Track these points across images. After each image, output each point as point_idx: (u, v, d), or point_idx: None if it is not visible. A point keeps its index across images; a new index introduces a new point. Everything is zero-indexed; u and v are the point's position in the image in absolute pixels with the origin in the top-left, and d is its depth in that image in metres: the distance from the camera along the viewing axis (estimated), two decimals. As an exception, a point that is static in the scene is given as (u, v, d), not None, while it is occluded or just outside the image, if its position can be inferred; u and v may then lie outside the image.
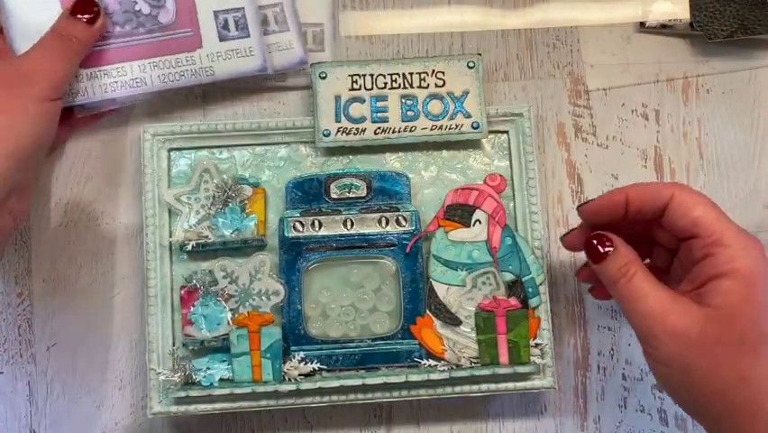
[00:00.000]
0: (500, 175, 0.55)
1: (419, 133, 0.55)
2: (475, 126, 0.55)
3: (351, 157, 0.56)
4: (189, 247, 0.53)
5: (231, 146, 0.56)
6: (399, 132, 0.55)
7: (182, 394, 0.52)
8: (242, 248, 0.54)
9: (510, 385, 0.53)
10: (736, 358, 0.40)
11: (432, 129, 0.55)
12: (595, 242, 0.44)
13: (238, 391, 0.51)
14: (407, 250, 0.54)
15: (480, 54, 0.56)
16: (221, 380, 0.52)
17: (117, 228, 0.57)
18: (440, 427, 0.56)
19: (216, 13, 0.55)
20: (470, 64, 0.55)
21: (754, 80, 0.59)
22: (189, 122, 0.57)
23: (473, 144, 0.56)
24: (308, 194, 0.55)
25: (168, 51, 0.54)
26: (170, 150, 0.55)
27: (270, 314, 0.53)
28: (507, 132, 0.56)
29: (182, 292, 0.53)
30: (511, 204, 0.56)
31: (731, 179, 0.58)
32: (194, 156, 0.55)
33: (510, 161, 0.56)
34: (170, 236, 0.54)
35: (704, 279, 0.41)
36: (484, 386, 0.53)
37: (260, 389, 0.51)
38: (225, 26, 0.54)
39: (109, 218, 0.57)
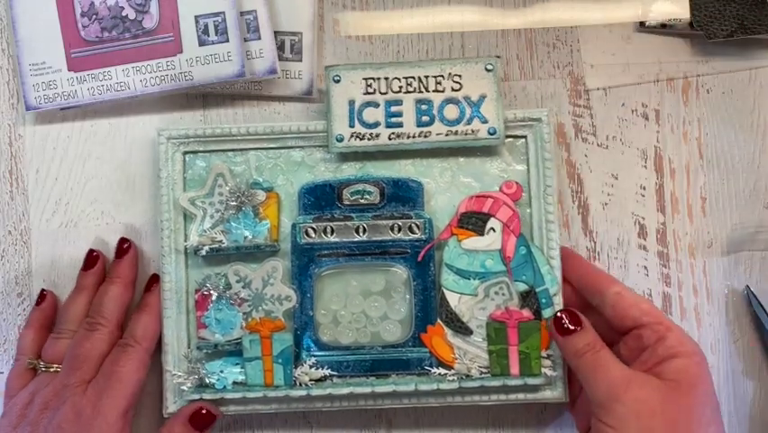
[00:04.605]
0: (516, 182, 0.50)
1: (434, 138, 0.50)
2: (492, 132, 0.50)
3: (364, 162, 0.52)
4: (204, 252, 0.50)
5: (245, 150, 0.52)
6: (414, 137, 0.50)
7: (195, 397, 0.49)
8: (255, 253, 0.50)
9: (521, 396, 0.49)
10: (691, 427, 0.42)
11: (447, 135, 0.50)
12: (565, 317, 0.46)
13: (250, 395, 0.49)
14: (419, 258, 0.50)
15: (498, 56, 0.50)
16: (234, 383, 0.49)
17: (117, 228, 0.54)
18: (440, 429, 0.53)
19: (197, 18, 0.51)
20: (489, 67, 0.50)
21: (754, 80, 0.55)
22: (206, 125, 0.54)
23: (490, 150, 0.51)
24: (321, 200, 0.51)
25: (150, 56, 0.52)
26: (185, 153, 0.51)
27: (282, 320, 0.50)
28: (525, 137, 0.51)
29: (197, 296, 0.50)
30: (527, 211, 0.50)
31: (731, 179, 0.55)
32: (209, 159, 0.52)
33: (528, 167, 0.51)
34: (185, 240, 0.51)
35: (659, 358, 0.44)
36: (494, 396, 0.50)
37: (272, 393, 0.49)
38: (205, 31, 0.51)
39: (109, 218, 0.54)
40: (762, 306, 0.53)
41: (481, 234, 0.50)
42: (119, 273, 0.51)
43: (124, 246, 0.52)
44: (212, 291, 0.50)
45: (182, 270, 0.51)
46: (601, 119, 0.55)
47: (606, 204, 0.54)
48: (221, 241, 0.50)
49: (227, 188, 0.51)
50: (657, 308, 0.46)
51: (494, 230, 0.50)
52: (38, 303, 0.52)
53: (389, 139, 0.50)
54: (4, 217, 0.54)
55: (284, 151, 0.52)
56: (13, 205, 0.54)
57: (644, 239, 0.54)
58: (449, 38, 0.55)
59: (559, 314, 0.46)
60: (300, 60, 0.53)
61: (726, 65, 0.55)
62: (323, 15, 0.55)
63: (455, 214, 0.50)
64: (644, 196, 0.54)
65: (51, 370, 0.49)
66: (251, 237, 0.50)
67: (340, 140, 0.50)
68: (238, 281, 0.50)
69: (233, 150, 0.52)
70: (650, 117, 0.55)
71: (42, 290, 0.53)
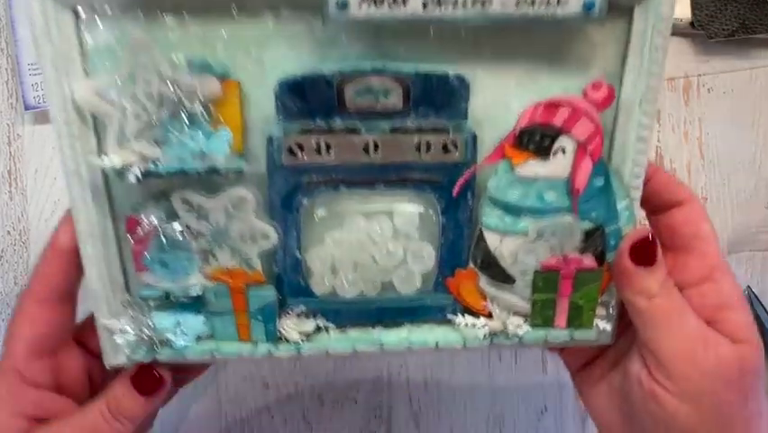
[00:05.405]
0: (608, 84, 0.33)
1: (495, 9, 0.31)
2: (589, 5, 0.31)
3: (380, 43, 0.32)
4: (132, 177, 0.32)
5: (181, 13, 0.31)
6: (463, 6, 0.31)
7: (145, 359, 0.37)
8: (211, 176, 0.33)
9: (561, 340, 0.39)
10: (760, 394, 0.36)
11: (518, 4, 0.31)
12: (645, 244, 0.35)
13: (221, 356, 0.37)
14: (456, 192, 0.34)
15: None
16: (198, 338, 0.37)
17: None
18: (440, 429, 0.51)
19: None
20: None
21: (755, 80, 0.54)
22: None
23: (576, 32, 0.32)
24: (311, 101, 0.33)
25: None
26: (77, 14, 0.30)
27: (259, 272, 0.35)
28: (630, 11, 0.32)
29: (130, 228, 0.34)
30: (610, 123, 0.35)
31: (732, 179, 0.55)
32: (120, 26, 0.31)
33: (625, 58, 0.33)
34: (100, 154, 0.33)
35: (712, 307, 0.36)
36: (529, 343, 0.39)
37: (249, 353, 0.37)
38: None
39: None
40: (762, 306, 0.52)
41: (545, 156, 0.34)
42: None
43: None
44: (151, 222, 0.34)
45: (100, 195, 0.34)
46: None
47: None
48: (157, 159, 0.33)
49: (156, 74, 0.31)
50: (715, 235, 0.37)
51: (564, 151, 0.34)
52: None
53: (424, 7, 0.31)
54: (3, 218, 0.53)
55: (250, 19, 0.31)
56: (12, 205, 0.53)
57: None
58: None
59: (642, 237, 0.35)
60: None
61: (727, 64, 0.53)
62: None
63: (514, 127, 0.34)
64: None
65: None
66: (201, 156, 0.33)
67: (343, 5, 0.30)
68: (189, 211, 0.34)
69: (162, 11, 0.31)
70: (650, 117, 0.51)
71: None
